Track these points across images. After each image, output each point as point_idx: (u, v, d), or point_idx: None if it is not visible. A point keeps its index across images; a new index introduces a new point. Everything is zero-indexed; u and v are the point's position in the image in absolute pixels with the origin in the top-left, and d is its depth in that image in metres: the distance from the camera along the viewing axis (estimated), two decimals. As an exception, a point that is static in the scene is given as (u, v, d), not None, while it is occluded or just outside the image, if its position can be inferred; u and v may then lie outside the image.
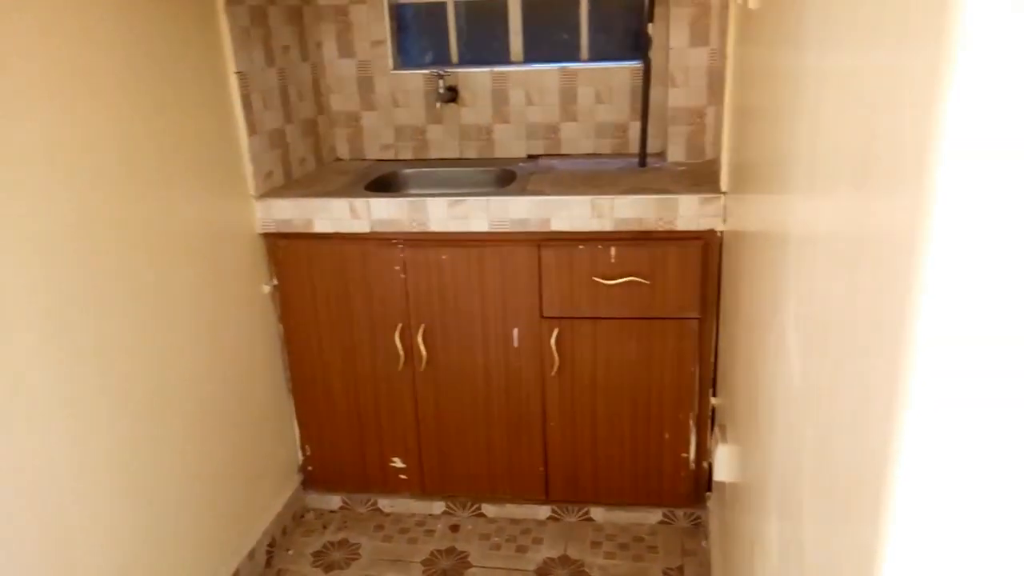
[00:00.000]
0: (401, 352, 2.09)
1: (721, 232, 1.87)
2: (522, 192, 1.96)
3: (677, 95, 2.14)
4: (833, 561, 0.62)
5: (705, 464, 2.10)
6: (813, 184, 0.74)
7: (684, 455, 2.09)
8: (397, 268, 2.03)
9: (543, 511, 2.24)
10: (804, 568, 0.71)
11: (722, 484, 1.74)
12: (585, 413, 2.09)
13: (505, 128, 2.41)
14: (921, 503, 0.47)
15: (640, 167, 2.17)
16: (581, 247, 1.93)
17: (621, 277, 1.92)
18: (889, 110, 0.51)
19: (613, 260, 1.92)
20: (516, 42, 2.41)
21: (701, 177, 2.01)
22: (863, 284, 0.58)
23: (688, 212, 1.86)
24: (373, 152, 2.51)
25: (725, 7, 1.90)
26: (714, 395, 2.02)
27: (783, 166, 0.90)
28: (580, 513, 2.22)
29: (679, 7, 2.06)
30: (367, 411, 2.19)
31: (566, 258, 1.94)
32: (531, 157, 2.41)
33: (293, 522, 2.28)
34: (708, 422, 2.05)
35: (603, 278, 1.93)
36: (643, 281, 1.92)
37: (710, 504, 2.09)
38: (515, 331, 2.03)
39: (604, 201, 1.88)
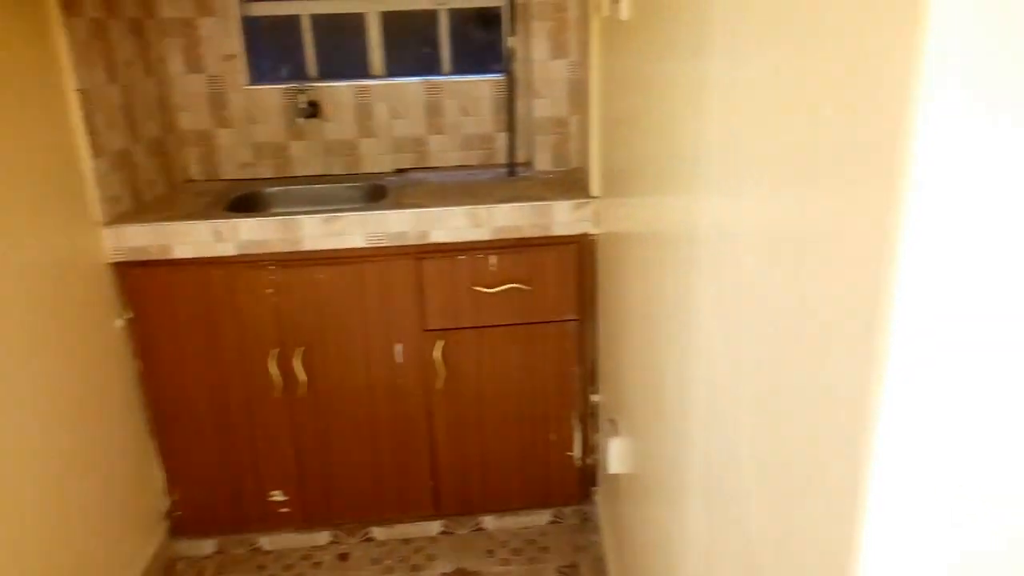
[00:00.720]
0: (277, 378, 1.99)
1: (594, 235, 1.95)
2: (399, 206, 1.94)
3: (541, 106, 2.21)
4: (794, 538, 0.67)
5: (590, 460, 2.17)
6: (733, 184, 0.79)
7: (570, 454, 2.15)
8: (269, 291, 1.94)
9: (434, 527, 2.21)
10: (751, 545, 0.76)
11: (612, 477, 1.80)
12: (473, 423, 2.09)
13: (371, 142, 2.37)
14: (895, 486, 0.52)
15: (510, 177, 2.22)
16: (461, 257, 1.93)
17: (502, 284, 1.95)
18: (844, 111, 0.56)
19: (493, 268, 1.94)
20: (376, 56, 2.39)
21: (570, 184, 2.08)
22: (815, 277, 0.63)
23: (562, 217, 1.92)
24: (230, 171, 2.38)
25: (583, 20, 1.99)
26: (595, 392, 2.09)
27: (685, 168, 0.96)
28: (472, 524, 2.21)
29: (539, 21, 2.12)
30: (241, 444, 2.07)
31: (447, 269, 1.94)
32: (399, 171, 2.39)
33: (163, 575, 2.10)
34: (590, 419, 2.12)
35: (485, 287, 1.95)
36: (523, 287, 1.96)
37: (597, 498, 2.16)
38: (398, 347, 2.00)
39: (482, 211, 1.90)
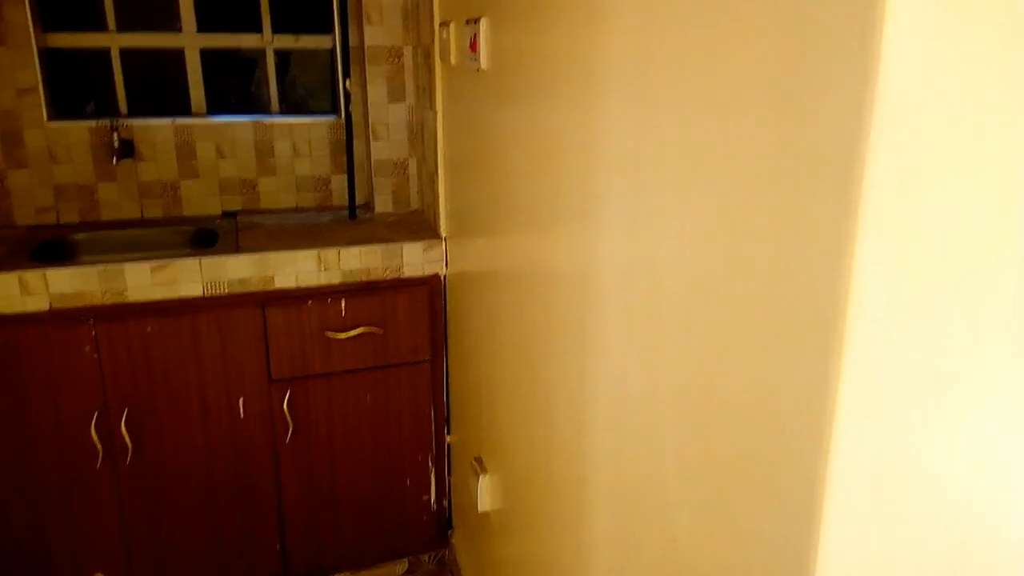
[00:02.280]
0: (98, 446, 1.78)
1: (444, 275, 1.97)
2: (238, 250, 1.83)
3: (380, 148, 2.20)
4: (732, 542, 0.72)
5: (445, 503, 2.15)
6: (632, 219, 0.85)
7: (426, 498, 2.12)
8: (88, 348, 1.74)
9: (283, 591, 2.07)
10: (679, 558, 0.81)
11: (479, 517, 1.80)
12: (324, 475, 2.00)
13: (194, 184, 2.22)
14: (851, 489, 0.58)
15: (351, 219, 2.18)
16: (310, 303, 1.86)
17: (353, 329, 1.90)
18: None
19: (344, 313, 1.89)
20: (197, 93, 2.26)
21: (414, 225, 2.09)
22: (733, 295, 0.69)
23: (413, 259, 1.92)
24: (26, 217, 2.11)
25: (423, 67, 2.02)
26: (449, 433, 2.09)
27: (574, 206, 1.01)
28: (324, 583, 2.10)
29: (375, 65, 2.13)
30: (55, 525, 1.81)
31: (294, 316, 1.86)
32: (227, 214, 2.25)
33: None
34: (445, 461, 2.11)
35: (335, 332, 1.89)
36: (376, 330, 1.92)
37: (455, 541, 2.14)
38: (241, 400, 1.88)
39: (330, 254, 1.85)
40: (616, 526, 0.96)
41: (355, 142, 2.23)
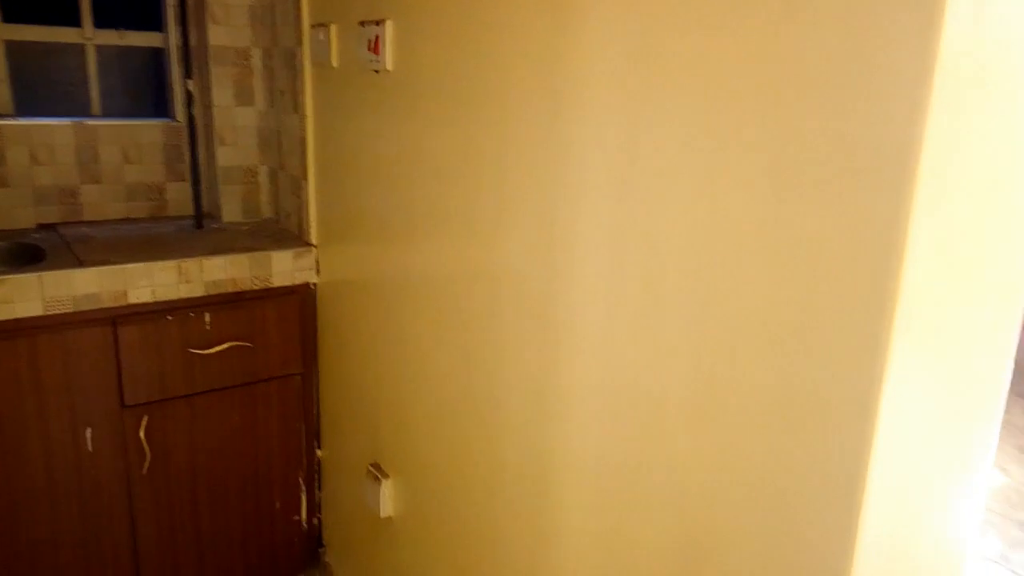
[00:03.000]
0: (-94, 500, 1.50)
1: (315, 284, 1.91)
2: (80, 264, 1.64)
3: (227, 154, 2.08)
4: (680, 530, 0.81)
5: (315, 520, 2.07)
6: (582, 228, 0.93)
7: (296, 518, 2.02)
8: None
9: (137, 642, 1.86)
10: (605, 545, 0.88)
11: (361, 526, 1.77)
12: (186, 506, 1.84)
13: (4, 193, 1.94)
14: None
15: (198, 228, 2.03)
16: (169, 318, 1.72)
17: (220, 344, 1.78)
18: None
19: (208, 327, 1.76)
20: (3, 90, 1.98)
21: (275, 233, 2.00)
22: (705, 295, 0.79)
23: (282, 268, 1.84)
24: None
25: (275, 69, 1.95)
26: (319, 447, 2.02)
27: (480, 215, 1.06)
28: (184, 626, 1.92)
29: (221, 66, 2.01)
30: None
31: (152, 333, 1.70)
32: (44, 227, 1.99)
33: None
34: (316, 477, 2.03)
35: (200, 348, 1.76)
36: (244, 344, 1.81)
37: (328, 559, 2.07)
38: (88, 432, 1.67)
39: (191, 264, 1.72)
40: (532, 521, 1.03)
41: (199, 147, 2.08)
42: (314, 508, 2.05)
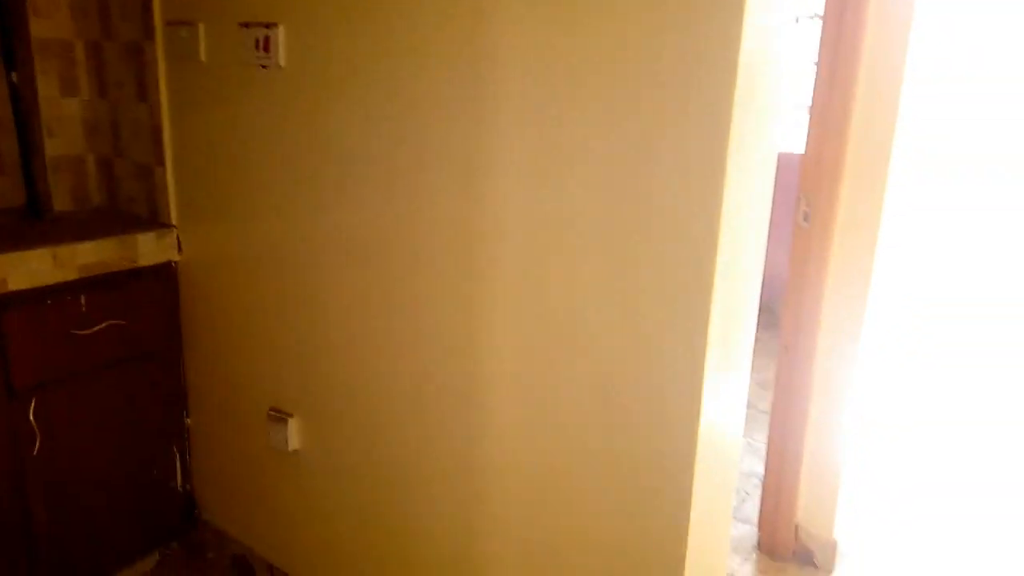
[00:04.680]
0: None
1: (176, 262, 2.06)
2: (-48, 255, 1.66)
3: (55, 145, 2.11)
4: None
5: (188, 486, 2.22)
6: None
7: (173, 484, 2.17)
8: None
9: (28, 626, 1.91)
10: (498, 467, 1.35)
11: (255, 469, 2.01)
12: (76, 483, 1.91)
13: None
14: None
15: (36, 218, 2.05)
16: (49, 302, 1.79)
17: (98, 324, 1.88)
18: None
19: (85, 309, 1.86)
20: None
21: (116, 218, 2.09)
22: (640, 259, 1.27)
23: (148, 248, 1.98)
24: None
25: (110, 61, 2.05)
26: (187, 415, 2.18)
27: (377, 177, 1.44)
28: (73, 603, 1.99)
29: (46, 59, 2.04)
30: None
31: (34, 317, 1.76)
32: None
33: None
34: (187, 444, 2.19)
35: (79, 329, 1.85)
36: (119, 322, 1.93)
37: (206, 517, 2.23)
38: (-26, 421, 1.70)
39: (65, 250, 1.81)
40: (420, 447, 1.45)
41: (9, 138, 2.08)
42: (188, 474, 2.21)
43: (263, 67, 1.70)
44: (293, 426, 1.87)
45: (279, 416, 1.89)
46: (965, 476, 2.90)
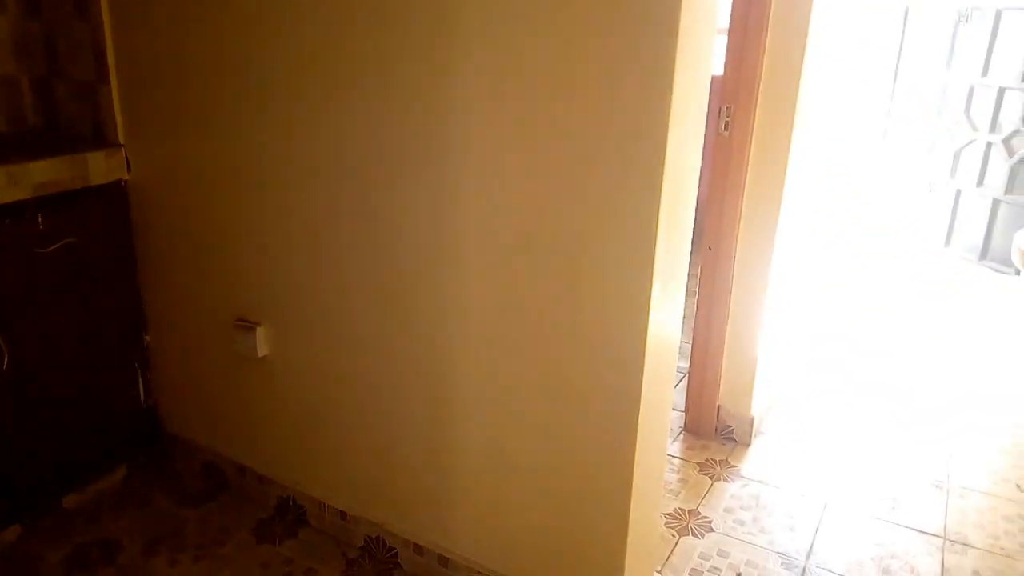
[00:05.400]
0: None
1: (126, 181, 2.08)
2: (-97, 174, 1.65)
3: (-15, 63, 2.06)
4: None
5: (152, 401, 2.29)
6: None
7: (136, 399, 2.23)
8: None
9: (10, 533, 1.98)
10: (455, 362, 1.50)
11: (226, 375, 2.10)
12: (45, 400, 1.96)
13: None
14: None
15: (-25, 141, 2.02)
16: (8, 220, 1.80)
17: (56, 242, 1.90)
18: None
19: (42, 227, 1.88)
20: None
21: (57, 139, 2.08)
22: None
23: (98, 167, 1.99)
24: None
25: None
26: (147, 332, 2.23)
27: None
28: (45, 515, 2.06)
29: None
30: None
31: (-7, 236, 1.78)
32: None
33: None
34: (147, 360, 2.25)
35: (40, 247, 1.87)
36: (76, 241, 1.95)
37: (171, 429, 2.32)
38: (-59, 340, 1.73)
39: (18, 169, 1.81)
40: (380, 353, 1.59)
41: (-52, 57, 2.02)
42: (150, 389, 2.28)
43: (216, -19, 1.72)
44: (261, 334, 1.97)
45: (247, 325, 1.98)
46: (875, 364, 3.27)
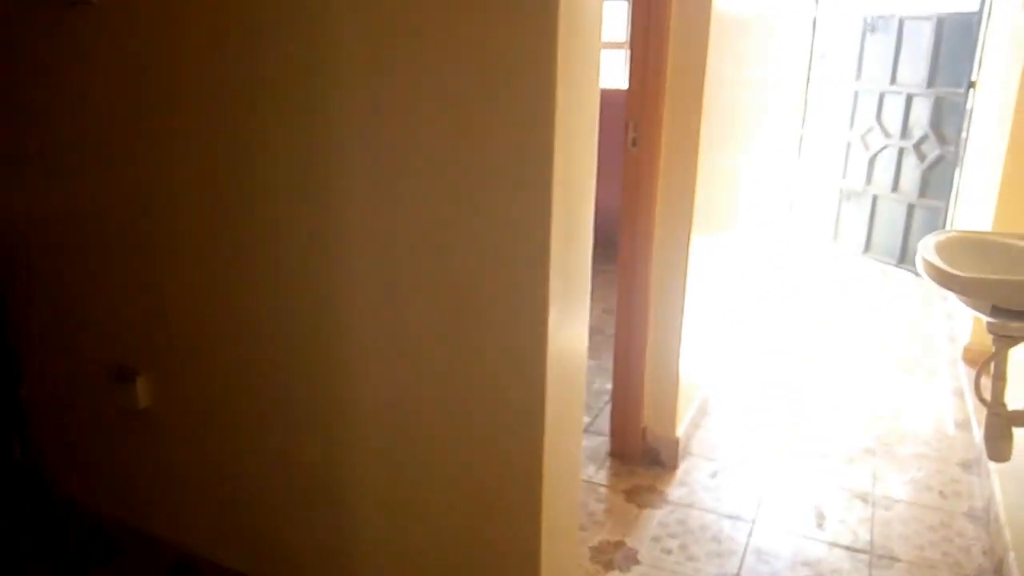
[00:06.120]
0: None
1: (-12, 223, 1.91)
2: None
3: None
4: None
5: (31, 457, 2.10)
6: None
7: (12, 457, 2.04)
8: None
9: None
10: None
11: (136, 416, 1.93)
12: None
13: None
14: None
15: None
16: None
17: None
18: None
19: None
20: None
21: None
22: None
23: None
24: None
25: None
26: (21, 387, 2.05)
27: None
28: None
29: None
30: None
31: None
32: None
33: None
34: (24, 416, 2.06)
35: None
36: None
37: (56, 487, 2.12)
38: None
39: None
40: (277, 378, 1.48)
41: None
42: (28, 445, 2.08)
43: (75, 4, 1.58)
44: (142, 383, 1.81)
45: (126, 374, 1.82)
46: (800, 378, 3.26)
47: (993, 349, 1.71)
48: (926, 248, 1.74)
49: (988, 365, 1.71)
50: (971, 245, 1.82)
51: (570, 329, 1.42)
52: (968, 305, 1.67)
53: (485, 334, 1.38)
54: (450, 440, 1.48)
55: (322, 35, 1.35)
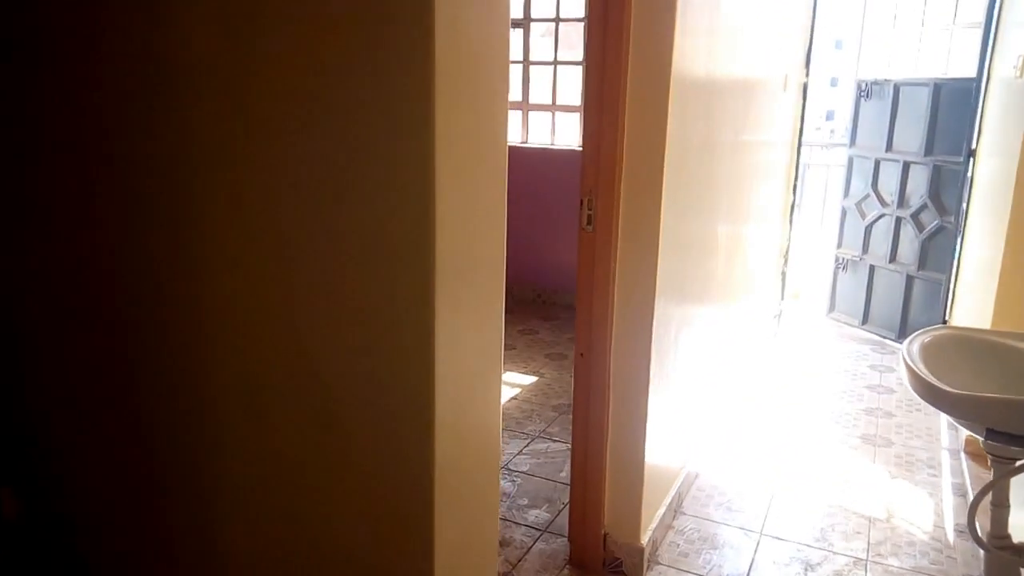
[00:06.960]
0: None
1: None
2: None
3: None
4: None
5: None
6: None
7: None
8: None
9: None
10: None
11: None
12: None
13: None
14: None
15: None
16: None
17: None
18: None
19: None
20: None
21: None
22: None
23: None
24: None
25: None
26: None
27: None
28: None
29: None
30: None
31: None
32: None
33: None
34: None
35: None
36: None
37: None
38: None
39: None
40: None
41: None
42: None
43: None
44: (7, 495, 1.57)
45: (-14, 481, 1.58)
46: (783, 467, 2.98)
47: (992, 472, 1.46)
48: (911, 353, 1.49)
49: (985, 494, 1.45)
50: (965, 347, 1.57)
51: (473, 413, 1.18)
52: (961, 425, 1.42)
53: (362, 425, 1.14)
54: (339, 527, 1.23)
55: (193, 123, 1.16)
